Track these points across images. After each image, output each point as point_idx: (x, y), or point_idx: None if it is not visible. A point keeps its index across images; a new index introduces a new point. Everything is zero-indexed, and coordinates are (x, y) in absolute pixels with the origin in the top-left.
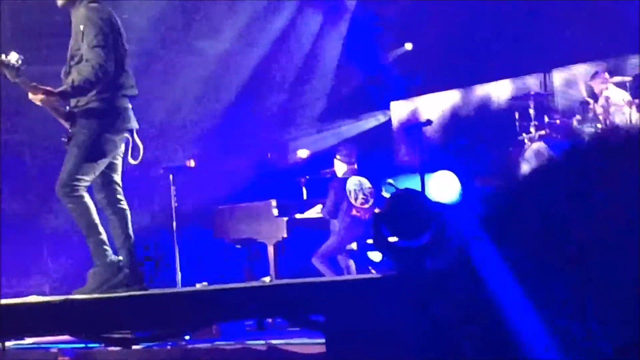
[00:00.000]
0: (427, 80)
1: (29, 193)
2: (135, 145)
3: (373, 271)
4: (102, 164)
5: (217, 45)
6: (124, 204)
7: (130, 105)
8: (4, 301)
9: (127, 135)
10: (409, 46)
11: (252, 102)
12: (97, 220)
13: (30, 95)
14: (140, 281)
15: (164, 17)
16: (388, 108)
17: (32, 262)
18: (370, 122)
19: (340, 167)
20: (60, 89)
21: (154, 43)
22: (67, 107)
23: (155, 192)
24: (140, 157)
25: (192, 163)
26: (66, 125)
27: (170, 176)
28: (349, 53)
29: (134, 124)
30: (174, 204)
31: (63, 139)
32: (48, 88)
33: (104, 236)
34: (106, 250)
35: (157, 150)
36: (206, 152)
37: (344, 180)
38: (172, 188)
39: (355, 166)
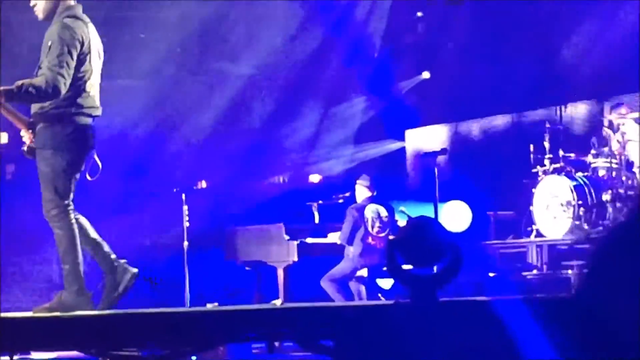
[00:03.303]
0: (444, 110)
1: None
2: (94, 163)
3: (382, 298)
4: (74, 179)
5: (233, 68)
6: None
7: (92, 124)
8: (11, 314)
9: (88, 152)
10: (426, 75)
11: (266, 127)
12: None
13: None
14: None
15: (181, 38)
16: (403, 136)
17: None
18: (384, 149)
19: (361, 193)
20: (6, 87)
21: (170, 64)
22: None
23: (167, 212)
24: (97, 175)
25: (203, 184)
26: (27, 135)
27: (183, 196)
28: (367, 81)
29: (91, 142)
30: (185, 224)
31: (23, 148)
32: None
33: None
34: (109, 254)
35: (171, 171)
36: (218, 173)
37: (362, 207)
38: (185, 207)
39: (375, 193)
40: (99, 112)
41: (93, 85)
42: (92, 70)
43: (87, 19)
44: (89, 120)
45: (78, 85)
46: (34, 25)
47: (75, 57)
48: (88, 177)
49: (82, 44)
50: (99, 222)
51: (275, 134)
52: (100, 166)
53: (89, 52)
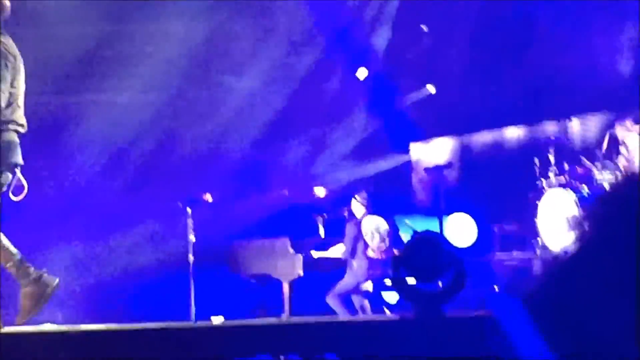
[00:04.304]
0: (449, 123)
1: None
2: (19, 181)
3: (388, 312)
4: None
5: (237, 81)
6: None
7: (18, 140)
8: (9, 329)
9: (12, 169)
10: (431, 88)
11: (272, 140)
12: (7, 242)
13: None
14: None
15: (186, 51)
16: (407, 150)
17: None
18: (389, 162)
19: (357, 208)
20: None
21: (175, 77)
22: None
23: (172, 225)
24: (23, 195)
25: (209, 197)
26: None
27: (188, 209)
28: (373, 94)
29: (20, 159)
30: (191, 238)
31: None
32: None
33: (19, 254)
34: (28, 267)
35: (176, 184)
36: (224, 187)
37: (359, 221)
38: (190, 221)
39: (372, 210)
40: (25, 129)
41: (21, 101)
42: (20, 86)
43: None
44: (15, 137)
45: (10, 100)
46: (34, 29)
47: (10, 72)
48: (12, 197)
49: (14, 59)
50: (105, 236)
51: (280, 147)
52: (26, 186)
53: (19, 67)
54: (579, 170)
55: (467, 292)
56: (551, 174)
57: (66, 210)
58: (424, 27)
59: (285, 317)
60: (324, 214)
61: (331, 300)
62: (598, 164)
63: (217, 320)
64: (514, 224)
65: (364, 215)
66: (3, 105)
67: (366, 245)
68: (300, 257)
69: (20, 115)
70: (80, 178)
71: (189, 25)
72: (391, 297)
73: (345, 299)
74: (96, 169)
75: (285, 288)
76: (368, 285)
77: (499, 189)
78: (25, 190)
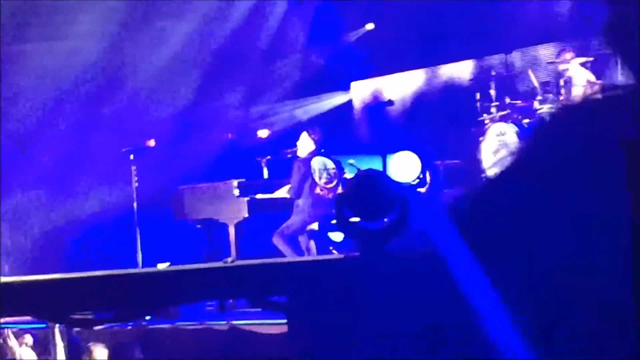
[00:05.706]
0: (388, 61)
1: None
2: None
3: (334, 252)
4: None
5: (178, 25)
6: None
7: None
8: None
9: None
10: (370, 26)
11: (213, 83)
12: None
13: None
14: None
15: None
16: (348, 88)
17: None
18: (331, 102)
19: (307, 145)
20: None
21: (114, 24)
22: None
23: (116, 172)
24: None
25: (152, 143)
26: None
27: (131, 156)
28: (311, 33)
29: None
30: (134, 184)
31: None
32: None
33: None
34: None
35: (119, 131)
36: (167, 132)
37: (308, 159)
38: (133, 168)
39: (322, 150)
40: None
41: None
42: None
43: None
44: None
45: None
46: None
47: None
48: None
49: None
50: (48, 185)
51: (221, 89)
52: None
53: None
54: (520, 103)
55: (412, 229)
56: (493, 109)
57: (8, 160)
58: None
59: (231, 260)
60: (268, 156)
61: (277, 241)
62: (539, 96)
63: (164, 266)
64: (457, 159)
65: (311, 153)
66: None
67: (314, 184)
68: (244, 199)
69: None
70: (21, 127)
71: None
72: (337, 236)
73: (292, 239)
74: (37, 118)
75: (231, 231)
76: (314, 225)
77: (442, 125)
78: None
